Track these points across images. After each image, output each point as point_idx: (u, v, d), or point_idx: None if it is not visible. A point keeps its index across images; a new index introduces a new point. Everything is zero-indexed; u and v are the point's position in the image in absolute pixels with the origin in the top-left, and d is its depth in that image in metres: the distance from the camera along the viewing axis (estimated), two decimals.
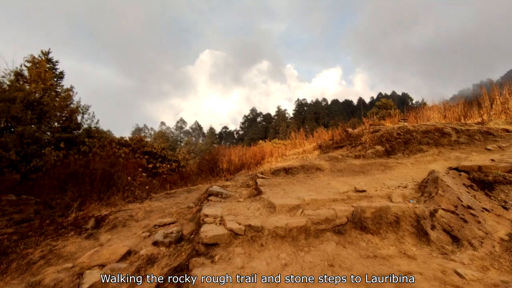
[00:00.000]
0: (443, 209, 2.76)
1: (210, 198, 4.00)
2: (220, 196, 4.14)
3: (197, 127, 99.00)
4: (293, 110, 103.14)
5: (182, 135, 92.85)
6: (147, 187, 5.20)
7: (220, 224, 2.77)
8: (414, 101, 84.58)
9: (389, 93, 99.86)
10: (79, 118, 12.57)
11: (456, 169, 3.36)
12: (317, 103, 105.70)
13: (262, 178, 5.02)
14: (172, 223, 3.60)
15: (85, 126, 13.00)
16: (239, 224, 2.67)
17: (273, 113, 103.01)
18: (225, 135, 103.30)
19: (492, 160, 4.55)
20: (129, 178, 4.99)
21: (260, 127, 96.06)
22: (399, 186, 3.78)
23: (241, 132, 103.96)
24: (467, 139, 6.06)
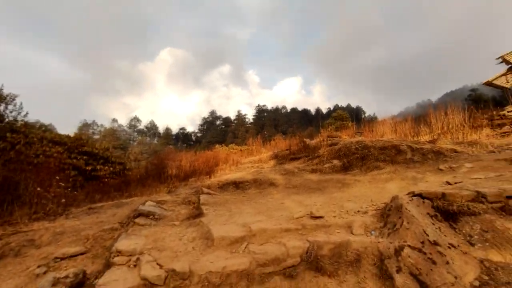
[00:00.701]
0: (409, 246, 2.39)
1: (137, 220, 3.25)
2: (151, 217, 3.40)
3: (153, 127, 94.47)
4: (253, 116, 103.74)
5: (135, 134, 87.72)
6: (63, 200, 4.22)
7: (134, 266, 2.07)
8: (366, 114, 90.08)
9: (344, 105, 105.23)
10: (1, 108, 10.71)
11: (420, 195, 3.07)
12: (276, 110, 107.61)
13: (207, 194, 4.37)
14: (82, 253, 2.79)
15: (10, 118, 11.14)
16: (161, 267, 2.00)
17: (232, 117, 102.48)
18: (182, 137, 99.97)
19: (448, 182, 4.45)
20: (38, 188, 3.99)
21: (218, 131, 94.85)
22: (359, 211, 3.40)
23: (199, 135, 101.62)
24: (421, 157, 6.04)
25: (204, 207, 3.59)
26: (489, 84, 13.56)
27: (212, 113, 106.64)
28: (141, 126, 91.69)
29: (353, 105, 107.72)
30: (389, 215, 2.93)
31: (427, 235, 2.54)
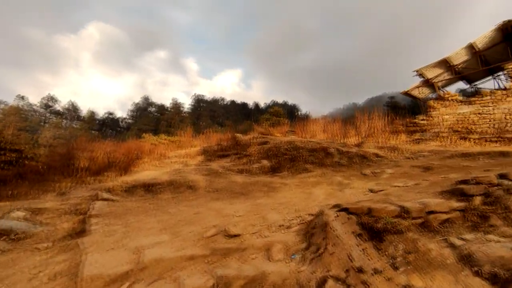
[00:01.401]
0: (332, 277, 2.03)
1: None
2: (9, 237, 2.47)
3: (72, 108, 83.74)
4: (190, 105, 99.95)
5: (49, 115, 76.32)
6: None
7: None
8: (301, 112, 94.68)
9: (281, 101, 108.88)
10: None
11: (346, 210, 2.82)
12: (215, 101, 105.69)
13: (106, 200, 3.53)
14: None
15: None
16: None
17: (168, 104, 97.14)
18: (109, 122, 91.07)
19: (371, 190, 4.41)
20: None
21: (151, 118, 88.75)
22: (282, 225, 3.01)
23: (129, 121, 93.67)
24: (348, 161, 6.07)
25: (92, 221, 2.78)
26: (406, 93, 15.01)
27: (146, 99, 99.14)
28: (59, 107, 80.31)
29: (290, 102, 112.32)
30: (314, 234, 2.58)
31: (352, 260, 2.24)
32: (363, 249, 2.46)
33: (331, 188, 4.80)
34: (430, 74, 13.66)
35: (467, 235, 2.74)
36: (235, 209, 3.73)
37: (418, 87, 14.45)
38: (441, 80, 14.05)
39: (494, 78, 15.00)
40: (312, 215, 3.38)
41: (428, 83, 14.08)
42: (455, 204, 3.06)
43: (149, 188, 4.19)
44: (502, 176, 3.47)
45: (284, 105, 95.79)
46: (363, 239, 2.60)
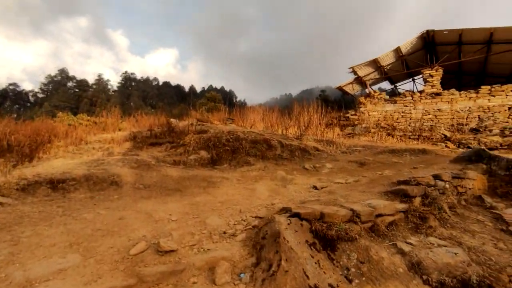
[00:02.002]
0: None
1: None
2: None
3: None
4: (118, 83, 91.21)
5: None
6: None
7: None
8: (238, 99, 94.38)
9: (219, 86, 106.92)
10: None
11: (298, 215, 2.57)
12: (147, 81, 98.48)
13: None
14: None
15: None
16: None
17: (91, 80, 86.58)
18: (13, 95, 77.22)
19: (315, 187, 4.31)
20: None
21: (70, 94, 78.12)
22: (225, 232, 2.62)
23: (41, 96, 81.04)
24: (289, 154, 5.95)
25: None
26: (340, 88, 15.87)
27: (63, 71, 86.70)
28: None
29: (227, 88, 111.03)
30: (264, 247, 2.25)
31: (308, 277, 1.98)
32: (317, 261, 2.23)
33: (274, 183, 4.57)
34: (361, 72, 14.62)
35: (412, 239, 2.75)
36: (169, 210, 3.20)
37: (351, 83, 15.38)
38: (371, 79, 15.20)
39: (413, 81, 16.89)
40: (258, 217, 3.06)
41: (359, 80, 15.08)
42: (399, 205, 3.07)
43: (58, 185, 3.33)
44: (436, 177, 3.66)
45: (221, 90, 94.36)
46: (316, 248, 2.37)
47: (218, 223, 2.86)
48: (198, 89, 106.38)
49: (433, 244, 2.65)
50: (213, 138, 5.71)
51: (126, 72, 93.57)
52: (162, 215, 2.98)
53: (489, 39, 11.84)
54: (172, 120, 8.73)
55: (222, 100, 34.62)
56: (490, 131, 9.59)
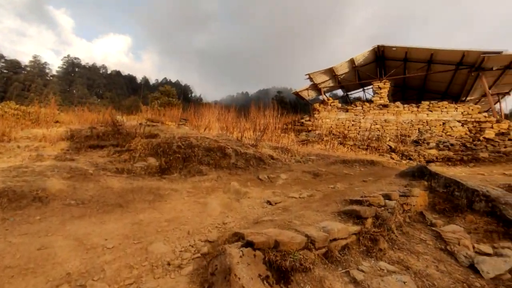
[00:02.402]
0: None
1: None
2: None
3: None
4: (59, 67, 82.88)
5: None
6: None
7: None
8: (194, 95, 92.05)
9: (174, 80, 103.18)
10: None
11: (251, 245, 2.39)
12: (94, 68, 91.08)
13: None
14: None
15: None
16: None
17: (25, 62, 77.19)
18: None
19: (269, 202, 4.19)
20: None
21: None
22: (170, 264, 2.34)
23: None
24: (244, 163, 5.78)
25: None
26: (296, 94, 16.19)
27: None
28: None
29: (182, 82, 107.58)
30: (213, 285, 2.03)
31: None
32: None
33: (227, 197, 4.36)
34: (318, 80, 15.07)
35: (364, 264, 2.74)
36: (106, 233, 2.80)
37: (307, 89, 15.78)
38: (326, 87, 15.75)
39: (363, 91, 17.91)
40: (208, 241, 2.83)
41: (315, 87, 15.53)
42: (352, 228, 3.06)
43: None
44: (386, 196, 3.77)
45: (177, 84, 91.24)
46: (270, 283, 2.22)
47: (163, 250, 2.57)
48: (152, 81, 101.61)
49: (384, 270, 2.66)
50: (163, 144, 5.30)
51: (69, 56, 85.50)
52: (96, 241, 2.58)
53: (430, 59, 13.01)
54: (119, 118, 8.01)
55: (177, 95, 33.29)
56: (428, 143, 10.49)
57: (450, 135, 11.47)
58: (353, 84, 16.76)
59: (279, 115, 12.61)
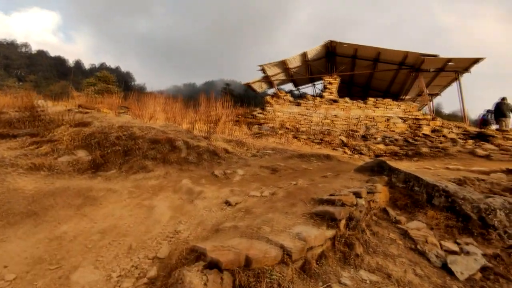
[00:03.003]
0: None
1: None
2: None
3: None
4: None
5: None
6: None
7: None
8: (136, 83, 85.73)
9: (114, 66, 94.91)
10: None
11: (216, 265, 1.85)
12: (12, 46, 79.02)
13: None
14: None
15: None
16: None
17: None
18: None
19: (228, 203, 3.66)
20: None
21: None
22: None
23: None
24: (197, 158, 5.14)
25: None
26: (248, 85, 15.75)
27: None
28: None
29: (124, 69, 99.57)
30: None
31: None
32: None
33: (178, 197, 3.72)
34: (270, 72, 14.81)
35: (343, 275, 2.38)
36: (8, 256, 2.00)
37: (259, 81, 15.44)
38: (278, 79, 15.60)
39: (313, 86, 18.23)
40: (157, 258, 2.23)
41: (268, 79, 15.26)
42: (328, 232, 2.70)
43: None
44: (356, 194, 3.52)
45: (117, 71, 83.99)
46: None
47: (93, 277, 1.89)
48: (86, 65, 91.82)
49: (366, 281, 2.35)
50: (98, 134, 4.38)
51: None
52: None
53: (377, 57, 13.64)
54: (41, 102, 6.65)
55: (116, 82, 30.34)
56: (375, 138, 10.94)
57: (393, 131, 12.16)
58: (303, 79, 16.92)
59: (230, 107, 12.01)
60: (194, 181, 4.32)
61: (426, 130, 11.94)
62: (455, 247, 3.24)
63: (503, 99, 12.13)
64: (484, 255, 3.07)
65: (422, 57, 12.15)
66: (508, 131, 11.59)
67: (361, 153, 8.94)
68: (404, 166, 7.65)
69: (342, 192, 3.60)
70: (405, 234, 3.59)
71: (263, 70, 14.50)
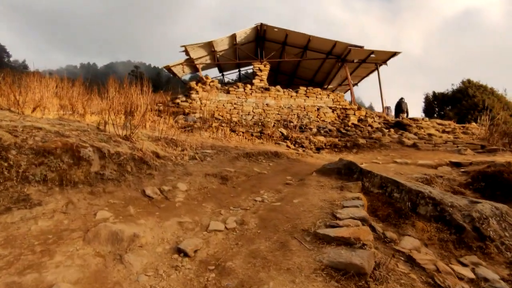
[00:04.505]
0: None
1: None
2: None
3: None
4: None
5: None
6: None
7: None
8: (13, 59, 69.31)
9: None
10: None
11: None
12: None
13: None
14: None
15: None
16: None
17: None
18: None
19: (183, 252, 2.32)
20: None
21: None
22: None
23: None
24: (117, 171, 3.54)
25: None
26: (168, 68, 13.68)
27: None
28: None
29: None
30: None
31: None
32: None
33: (94, 254, 2.20)
34: (194, 54, 13.12)
35: None
36: None
37: (181, 64, 13.54)
38: (203, 63, 13.98)
39: (239, 72, 17.17)
40: None
41: (191, 62, 13.50)
42: None
43: None
44: (362, 220, 2.64)
45: None
46: None
47: None
48: None
49: None
50: None
51: None
52: None
53: (306, 45, 13.35)
54: None
55: None
56: (311, 129, 10.64)
57: (324, 120, 12.12)
58: (230, 64, 15.71)
59: (150, 93, 9.98)
60: (117, 213, 2.78)
61: (353, 119, 12.26)
62: (470, 274, 2.64)
63: (402, 99, 14.26)
64: (502, 279, 2.57)
65: (349, 47, 12.32)
66: (418, 120, 12.86)
67: (302, 146, 8.38)
68: (349, 159, 7.26)
69: (342, 218, 2.67)
70: (412, 262, 2.84)
71: (186, 52, 12.69)
